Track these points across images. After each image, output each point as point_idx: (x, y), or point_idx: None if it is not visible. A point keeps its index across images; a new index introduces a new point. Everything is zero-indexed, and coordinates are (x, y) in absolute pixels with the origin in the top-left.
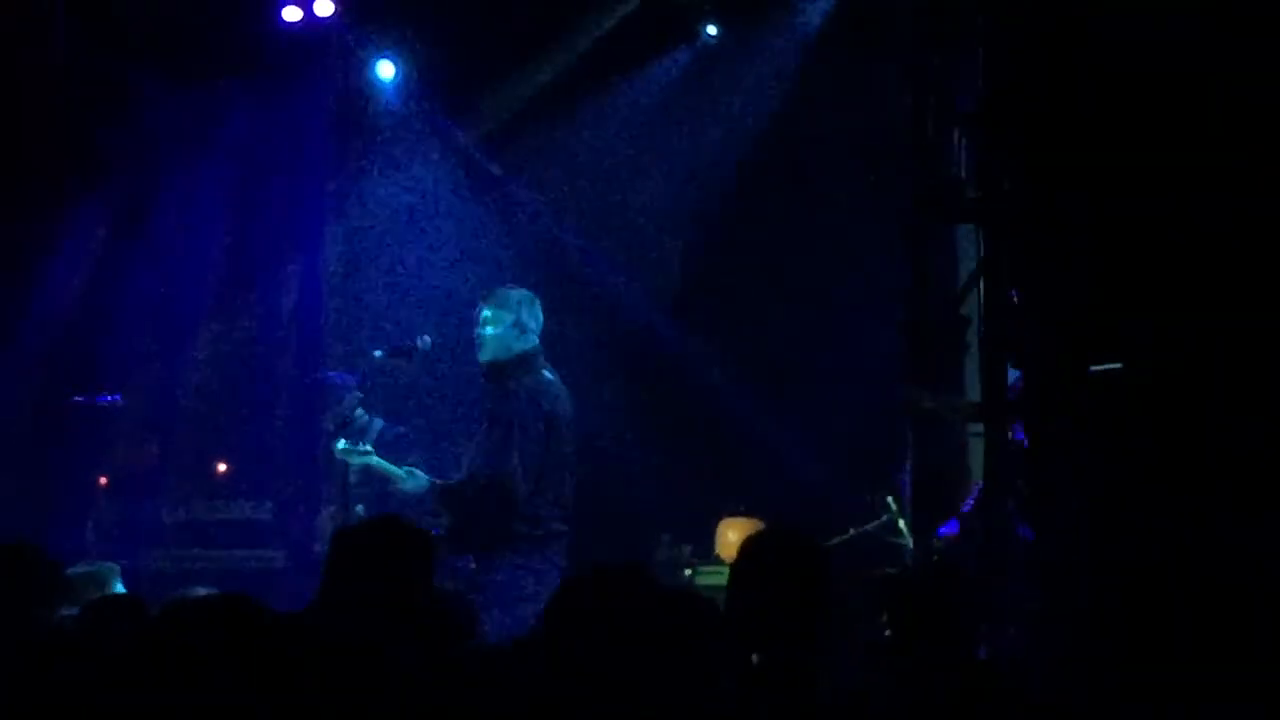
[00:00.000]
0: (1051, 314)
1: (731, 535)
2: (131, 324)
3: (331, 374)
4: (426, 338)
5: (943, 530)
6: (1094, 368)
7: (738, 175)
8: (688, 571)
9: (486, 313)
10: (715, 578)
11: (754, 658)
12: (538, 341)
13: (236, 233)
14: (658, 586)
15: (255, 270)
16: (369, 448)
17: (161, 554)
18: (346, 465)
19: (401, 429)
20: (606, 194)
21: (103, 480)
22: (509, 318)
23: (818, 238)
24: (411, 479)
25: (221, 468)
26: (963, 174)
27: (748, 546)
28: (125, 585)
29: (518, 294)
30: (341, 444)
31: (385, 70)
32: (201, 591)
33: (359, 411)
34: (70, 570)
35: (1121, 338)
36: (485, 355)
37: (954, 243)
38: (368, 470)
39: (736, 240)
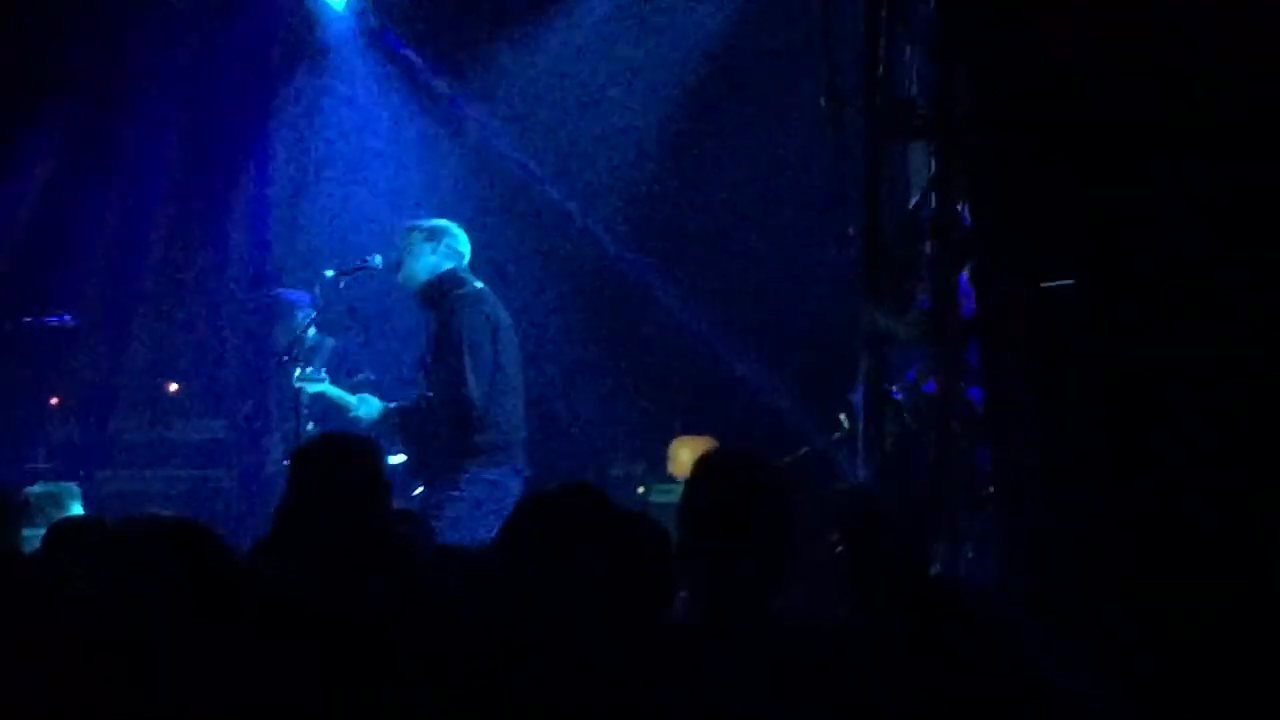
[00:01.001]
0: (1003, 231)
1: (684, 454)
2: (82, 243)
3: (284, 292)
4: (377, 256)
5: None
6: (1045, 284)
7: (691, 95)
8: (641, 489)
9: (402, 243)
10: (668, 496)
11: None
12: (464, 264)
13: (187, 153)
14: (610, 507)
15: (205, 191)
16: (324, 375)
17: (113, 474)
18: (294, 382)
19: (349, 348)
20: (559, 115)
21: (54, 401)
22: (420, 237)
23: (771, 157)
24: (364, 405)
25: (173, 387)
26: (914, 90)
27: (701, 466)
28: (82, 506)
29: (433, 223)
30: (297, 371)
31: None
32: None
33: (311, 331)
34: (29, 490)
35: (1073, 253)
36: (409, 283)
37: (906, 161)
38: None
39: (689, 161)
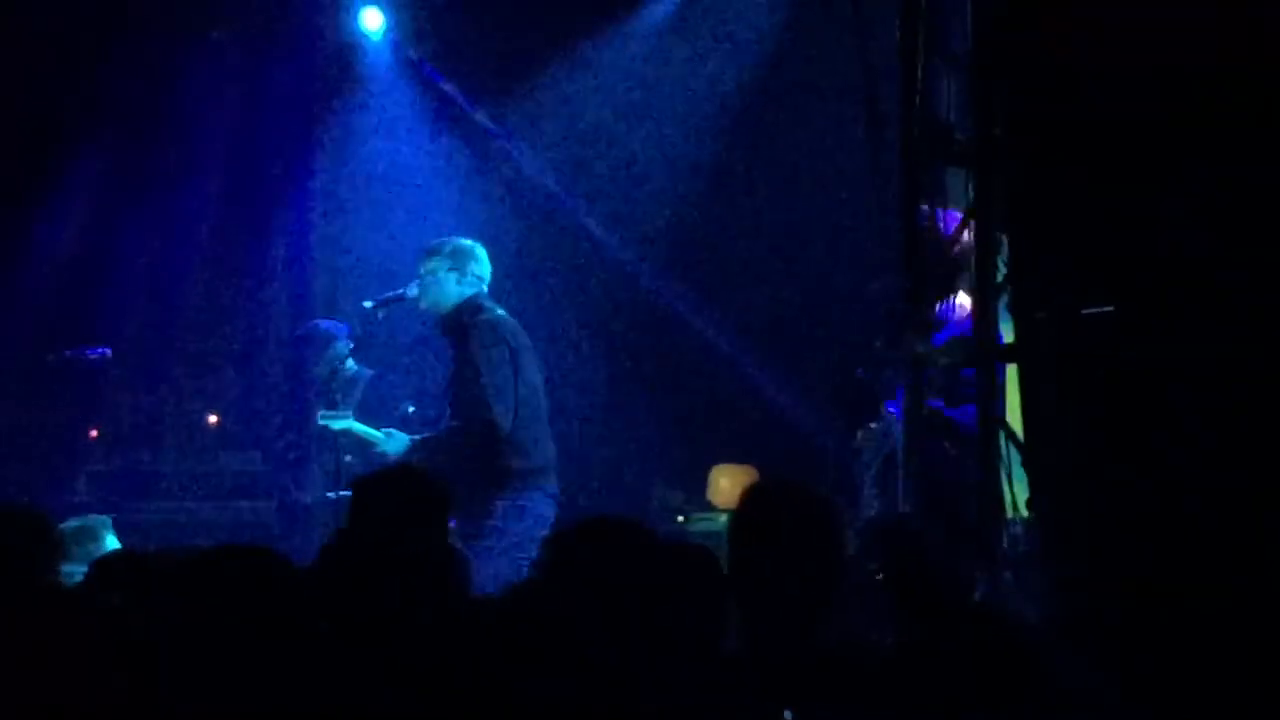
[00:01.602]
0: (1042, 257)
1: (724, 482)
2: (122, 276)
3: (321, 323)
4: (415, 287)
5: None
6: (1086, 310)
7: (726, 123)
8: (680, 519)
9: (421, 265)
10: (707, 524)
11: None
12: (484, 289)
13: (228, 185)
14: (652, 538)
15: (245, 223)
16: (348, 413)
17: (154, 506)
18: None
19: (388, 379)
20: (595, 144)
21: (93, 433)
22: (444, 265)
23: (808, 185)
24: (391, 440)
25: (213, 419)
26: (951, 115)
27: (750, 499)
28: (117, 538)
29: (453, 243)
30: (321, 413)
31: (371, 20)
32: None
33: (349, 362)
34: (62, 525)
35: (1113, 280)
36: (425, 303)
37: (944, 187)
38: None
39: (726, 189)
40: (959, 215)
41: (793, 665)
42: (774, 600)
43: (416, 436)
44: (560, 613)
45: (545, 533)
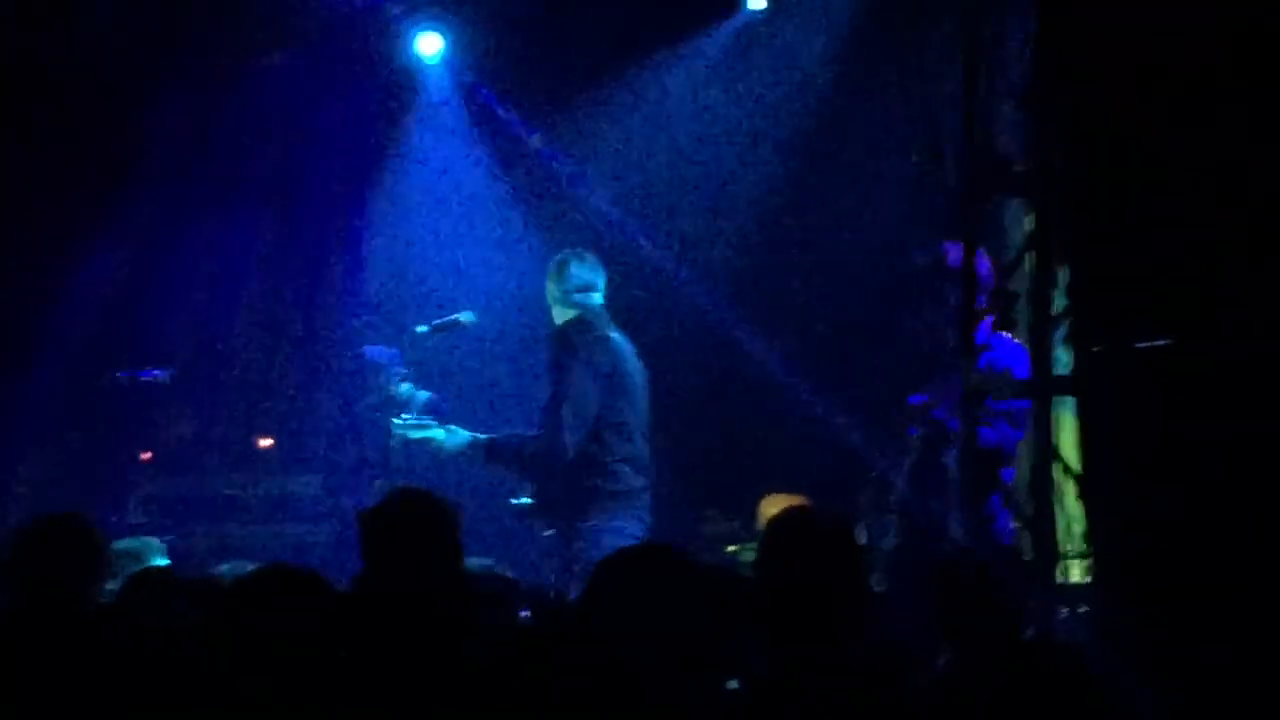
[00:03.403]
0: (1099, 291)
1: (772, 511)
2: (178, 300)
3: (369, 350)
4: (469, 312)
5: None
6: (1141, 344)
7: (786, 152)
8: (731, 548)
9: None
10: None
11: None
12: (599, 300)
13: (282, 209)
14: (689, 566)
15: (301, 248)
16: (422, 419)
17: (205, 529)
18: (389, 439)
19: (440, 398)
20: (652, 171)
21: (146, 455)
22: (555, 286)
23: (863, 213)
24: (451, 436)
25: (264, 443)
26: (1011, 149)
27: (775, 524)
28: (169, 559)
29: (559, 257)
30: (397, 420)
31: (429, 45)
32: (245, 566)
33: (404, 386)
34: (114, 545)
35: (1171, 315)
36: (555, 322)
37: (1001, 218)
38: (408, 444)
39: (783, 218)
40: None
41: (814, 690)
42: (794, 625)
43: (480, 436)
44: (597, 637)
45: None
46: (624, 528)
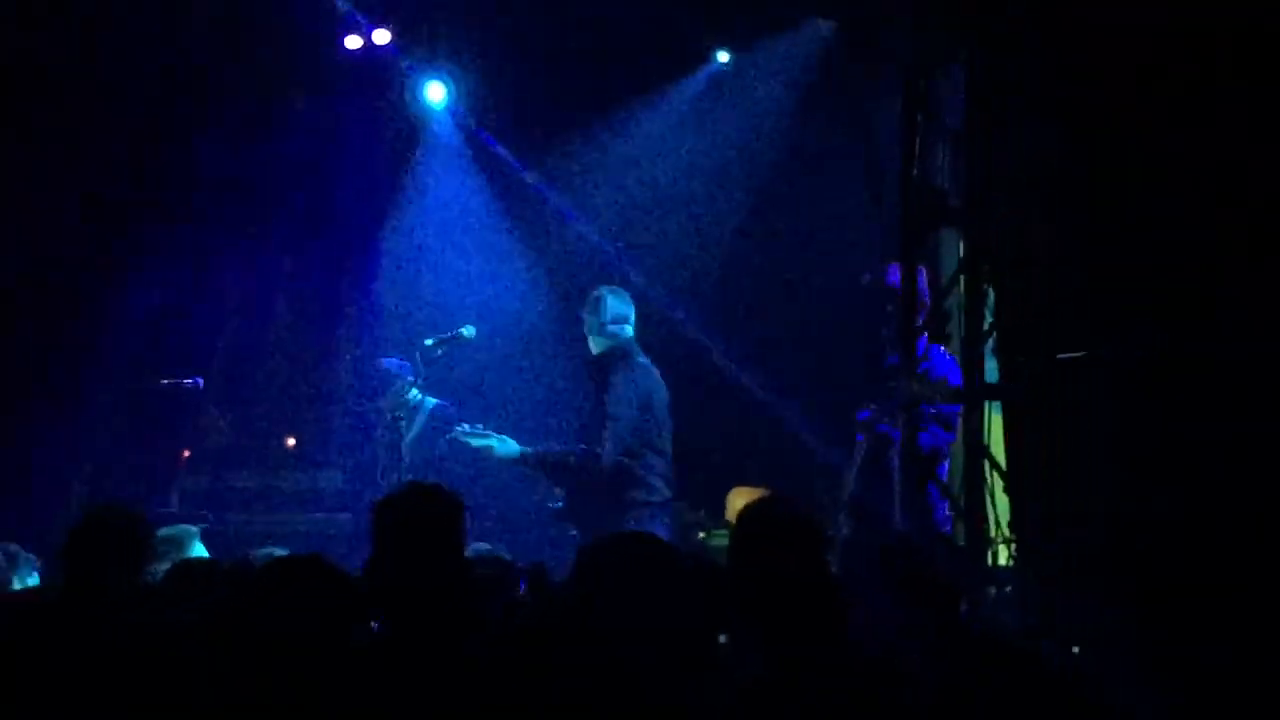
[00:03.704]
0: (1025, 308)
1: (739, 502)
2: (214, 316)
3: (385, 360)
4: (470, 327)
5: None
6: (1061, 355)
7: (749, 186)
8: (701, 534)
9: (581, 316)
10: (723, 540)
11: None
12: (630, 332)
13: (305, 237)
14: (666, 550)
15: (322, 271)
16: (483, 430)
17: (237, 518)
18: (400, 439)
19: (447, 404)
20: (631, 203)
21: (185, 453)
22: (592, 318)
23: (817, 239)
24: (503, 445)
25: (290, 442)
26: (946, 184)
27: (745, 514)
28: (204, 546)
29: (595, 293)
30: (461, 427)
31: (435, 92)
32: (276, 551)
33: (414, 393)
34: (156, 533)
35: (1084, 330)
36: (592, 350)
37: (938, 246)
38: (422, 440)
39: (747, 243)
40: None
41: (783, 661)
42: (763, 605)
43: (528, 449)
44: (585, 615)
45: None
46: (656, 527)
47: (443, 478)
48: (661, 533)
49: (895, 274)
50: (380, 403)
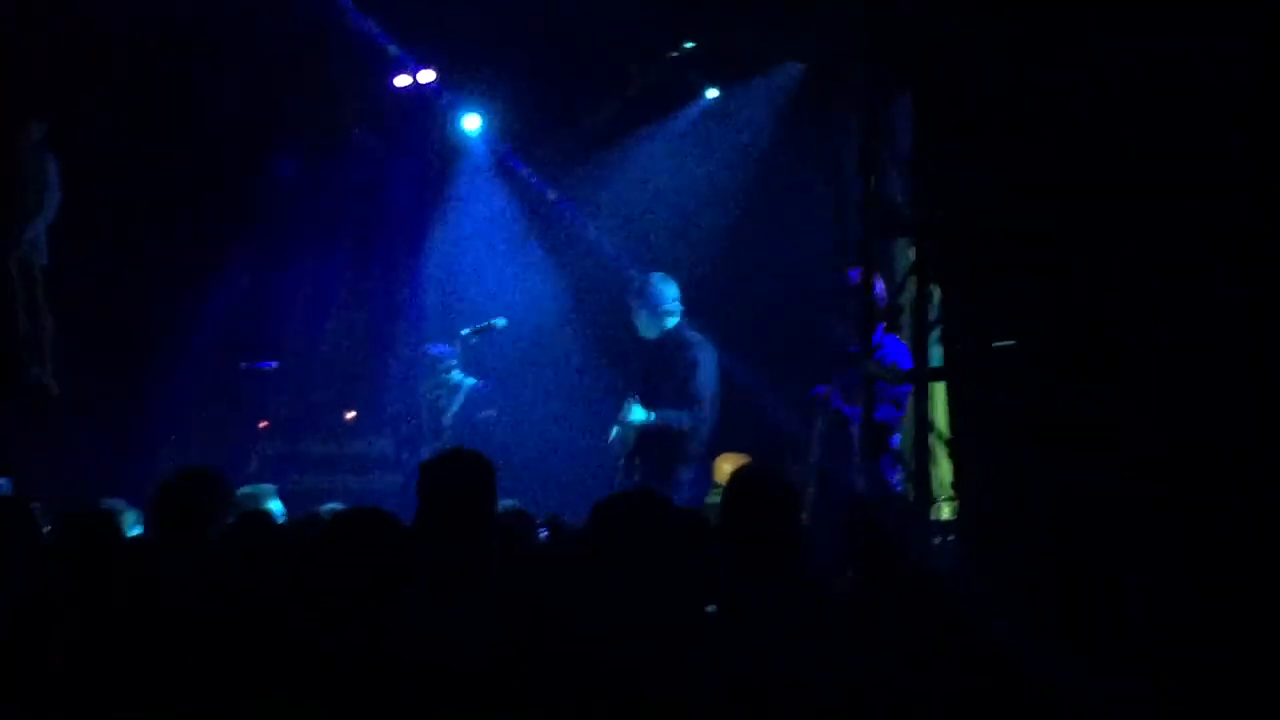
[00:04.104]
0: (965, 304)
1: (726, 466)
2: (286, 309)
3: (430, 346)
4: (502, 319)
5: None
6: (996, 343)
7: (734, 198)
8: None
9: (629, 302)
10: (714, 497)
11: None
12: (675, 309)
13: (362, 243)
14: (666, 505)
15: (377, 270)
16: (638, 407)
17: (307, 479)
18: (442, 412)
19: (483, 384)
20: (636, 215)
21: (262, 424)
22: (645, 302)
23: (791, 245)
24: (635, 412)
25: (350, 415)
26: (899, 200)
27: (735, 477)
28: (280, 502)
29: (648, 277)
30: (631, 404)
31: (471, 123)
32: (334, 506)
33: (455, 374)
34: (239, 491)
35: (1015, 322)
36: (644, 333)
37: (892, 252)
38: (462, 414)
39: (732, 248)
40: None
41: (764, 598)
42: (747, 551)
43: (651, 416)
44: (599, 557)
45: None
46: (701, 473)
47: (479, 445)
48: (703, 473)
49: (856, 275)
50: (426, 381)
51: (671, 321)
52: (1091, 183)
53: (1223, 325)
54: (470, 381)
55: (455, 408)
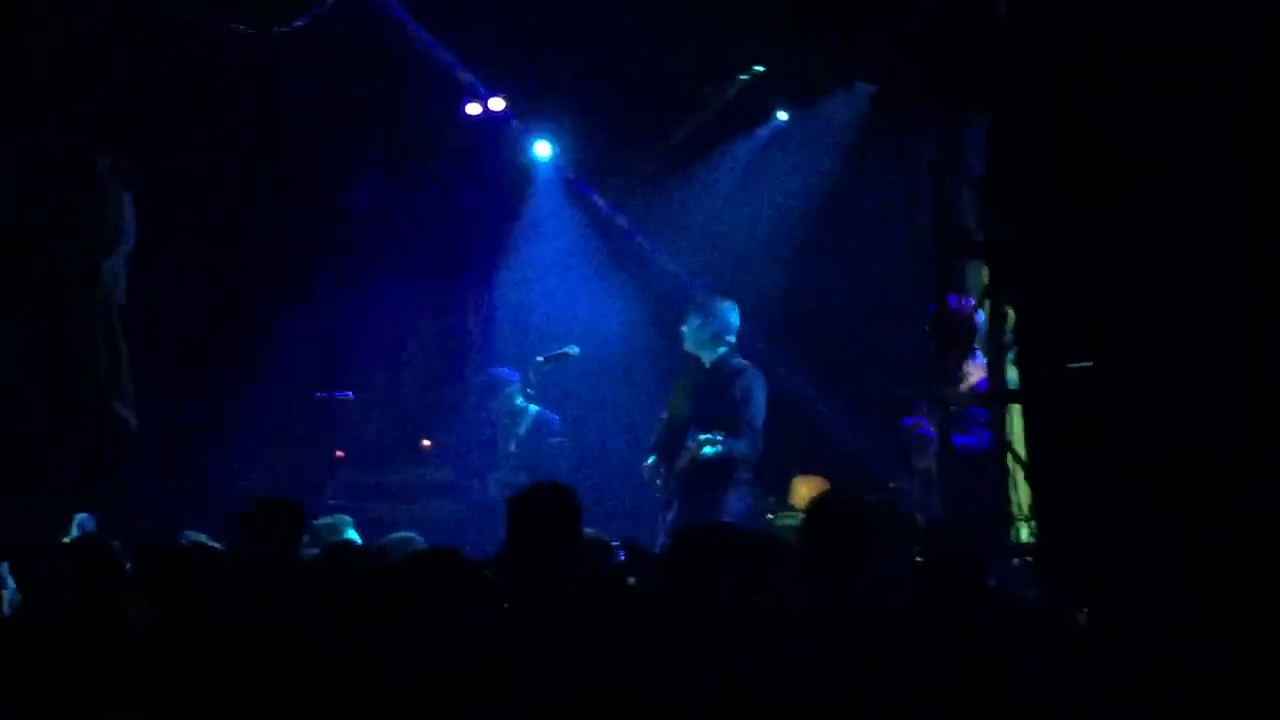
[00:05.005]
0: (1038, 327)
1: (802, 489)
2: (362, 340)
3: (497, 371)
4: (575, 346)
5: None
6: (1069, 365)
7: (806, 221)
8: (769, 516)
9: (690, 322)
10: (789, 521)
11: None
12: (733, 339)
13: (438, 271)
14: (742, 534)
15: (451, 299)
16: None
17: (382, 507)
18: (504, 439)
19: (554, 416)
20: (707, 239)
21: (339, 454)
22: (704, 325)
23: (861, 267)
24: (708, 446)
25: (426, 443)
26: (971, 223)
27: (816, 504)
28: (356, 532)
29: (708, 302)
30: (701, 441)
31: (542, 149)
32: (410, 537)
33: (519, 400)
34: (316, 521)
35: (1090, 344)
36: (697, 350)
37: (964, 275)
38: (527, 441)
39: (805, 270)
40: (971, 300)
41: (846, 618)
42: (830, 571)
43: (720, 448)
44: (679, 587)
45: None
46: (748, 498)
47: (546, 472)
48: (750, 501)
49: (954, 301)
50: (490, 407)
51: (725, 348)
52: (1170, 205)
53: None
54: (535, 409)
55: (522, 435)
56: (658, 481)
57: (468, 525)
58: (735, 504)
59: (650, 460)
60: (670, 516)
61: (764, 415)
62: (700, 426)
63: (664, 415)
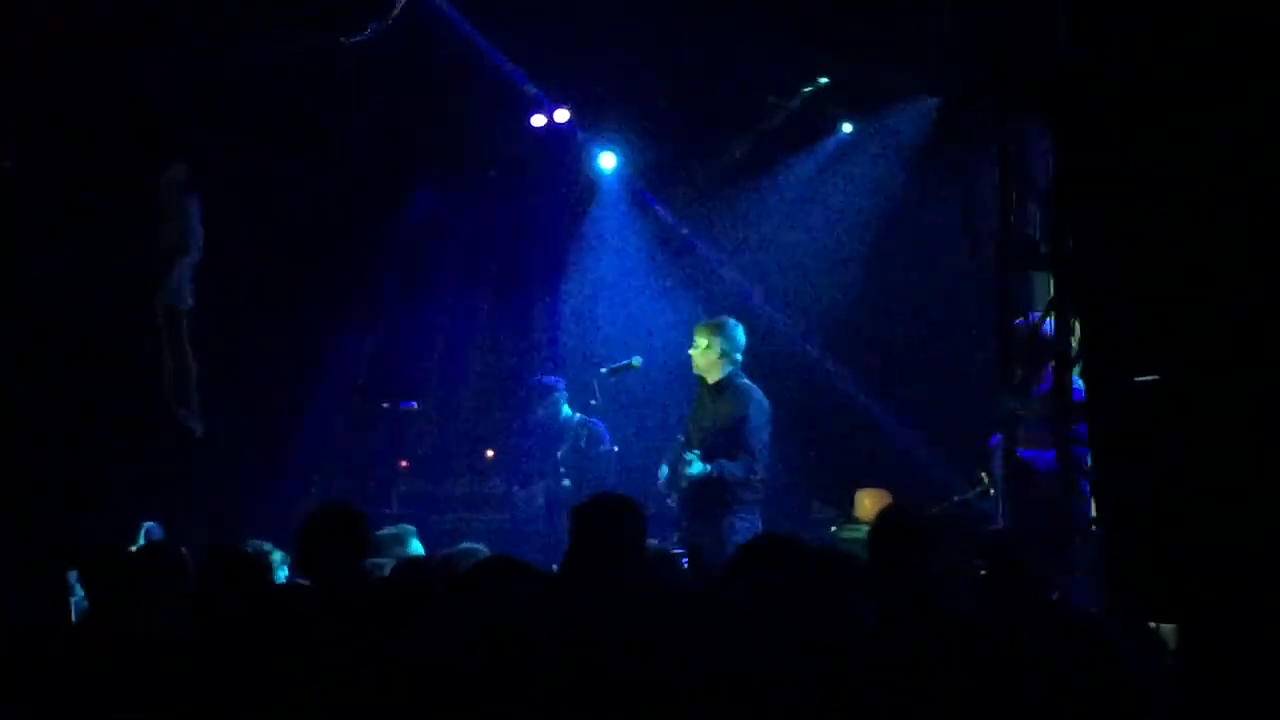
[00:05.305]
0: (1105, 339)
1: (867, 501)
2: (425, 351)
3: (543, 377)
4: (638, 357)
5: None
6: (1137, 379)
7: (869, 233)
8: (833, 529)
9: (705, 338)
10: (854, 533)
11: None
12: (740, 358)
13: (500, 283)
14: (807, 548)
15: (513, 312)
16: (696, 460)
17: (444, 517)
18: (557, 449)
19: (601, 425)
20: (770, 250)
21: (402, 464)
22: (717, 343)
23: (928, 279)
24: (694, 466)
25: (490, 453)
26: (1038, 234)
27: (883, 518)
28: (420, 542)
29: (721, 319)
30: (688, 455)
31: (607, 161)
32: (474, 547)
33: (564, 408)
34: (379, 532)
35: (1158, 356)
36: (704, 372)
37: (1031, 286)
38: (574, 450)
39: (867, 283)
40: (1038, 313)
41: (915, 633)
42: (899, 586)
43: (709, 467)
44: (741, 600)
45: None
46: (754, 520)
47: (594, 480)
48: (759, 522)
49: (1034, 319)
50: (537, 413)
51: (731, 368)
52: (1240, 216)
53: None
54: (579, 417)
55: (568, 445)
56: (670, 499)
57: (517, 535)
58: (739, 525)
59: (663, 478)
60: (677, 536)
61: (765, 438)
62: (699, 446)
63: (680, 436)
